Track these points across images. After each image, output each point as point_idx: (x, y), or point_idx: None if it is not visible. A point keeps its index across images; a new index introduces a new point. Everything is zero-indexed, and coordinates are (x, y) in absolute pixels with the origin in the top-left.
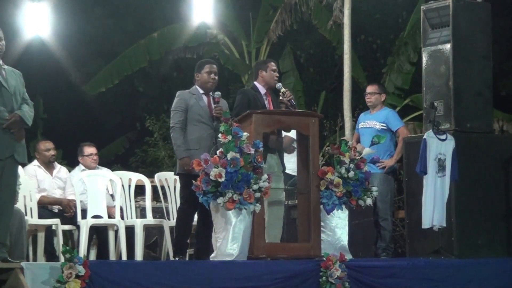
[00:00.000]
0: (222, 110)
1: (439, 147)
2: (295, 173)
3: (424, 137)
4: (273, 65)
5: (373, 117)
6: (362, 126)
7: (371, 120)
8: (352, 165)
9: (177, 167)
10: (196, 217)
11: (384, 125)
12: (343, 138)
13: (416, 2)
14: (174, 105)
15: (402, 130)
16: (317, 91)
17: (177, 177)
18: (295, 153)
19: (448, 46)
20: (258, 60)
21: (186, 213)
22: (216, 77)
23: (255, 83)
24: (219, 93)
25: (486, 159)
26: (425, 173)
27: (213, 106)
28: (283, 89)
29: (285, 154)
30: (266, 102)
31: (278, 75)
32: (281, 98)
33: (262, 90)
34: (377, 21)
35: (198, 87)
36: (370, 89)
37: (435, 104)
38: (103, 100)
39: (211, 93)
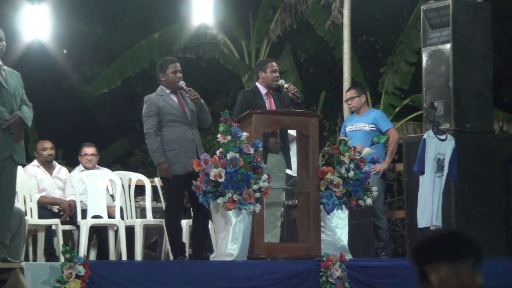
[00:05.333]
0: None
1: (439, 147)
2: (295, 173)
3: (424, 137)
4: (273, 65)
5: (361, 119)
6: (350, 129)
7: (359, 122)
8: (352, 165)
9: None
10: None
11: (374, 126)
12: (342, 138)
13: (416, 2)
14: (145, 110)
15: (391, 131)
16: (317, 91)
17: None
18: (295, 152)
19: (448, 46)
20: (259, 60)
21: (173, 215)
22: (181, 75)
23: (256, 83)
24: (183, 82)
25: (486, 159)
26: (423, 172)
27: (186, 95)
28: (286, 84)
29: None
30: (267, 102)
31: (278, 75)
32: (286, 92)
33: (263, 91)
34: (379, 22)
35: (164, 88)
36: (348, 95)
37: (435, 104)
38: (102, 101)
39: (181, 86)
